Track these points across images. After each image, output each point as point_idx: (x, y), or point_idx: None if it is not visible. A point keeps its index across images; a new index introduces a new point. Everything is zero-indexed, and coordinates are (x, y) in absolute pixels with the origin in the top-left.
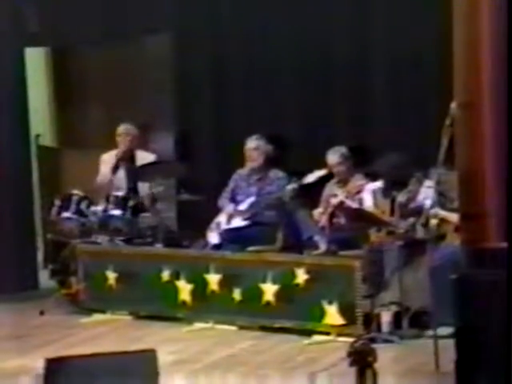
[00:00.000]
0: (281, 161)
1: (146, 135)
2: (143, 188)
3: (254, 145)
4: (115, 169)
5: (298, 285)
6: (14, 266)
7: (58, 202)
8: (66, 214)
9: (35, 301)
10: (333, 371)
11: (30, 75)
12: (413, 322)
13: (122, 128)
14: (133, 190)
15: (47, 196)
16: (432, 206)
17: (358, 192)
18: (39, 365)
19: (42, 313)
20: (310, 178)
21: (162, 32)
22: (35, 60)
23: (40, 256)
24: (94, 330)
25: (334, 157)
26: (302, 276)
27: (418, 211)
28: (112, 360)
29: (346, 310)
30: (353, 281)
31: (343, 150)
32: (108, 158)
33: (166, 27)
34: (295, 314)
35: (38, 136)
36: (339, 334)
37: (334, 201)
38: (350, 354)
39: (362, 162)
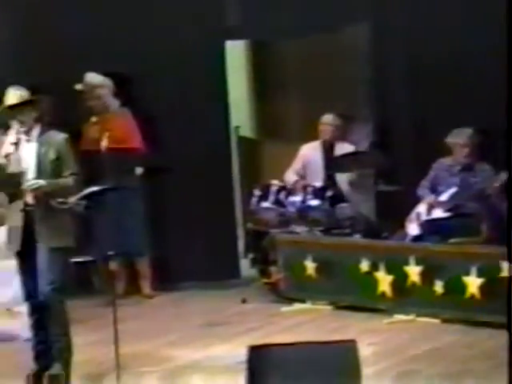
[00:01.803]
0: (487, 153)
1: (345, 126)
2: (341, 178)
3: (461, 140)
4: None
5: (504, 279)
6: (216, 255)
7: (257, 192)
8: (265, 204)
9: (237, 289)
10: None
11: (231, 68)
12: None
13: (325, 118)
14: (331, 180)
15: (247, 186)
16: None
17: None
18: (242, 352)
19: (244, 301)
20: None
21: (360, 22)
22: (235, 53)
23: (241, 245)
24: (294, 319)
25: None
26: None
27: None
28: (313, 349)
29: None
30: None
31: None
32: (307, 149)
33: (363, 18)
34: (502, 308)
35: (237, 127)
36: None
37: None
38: None
39: None
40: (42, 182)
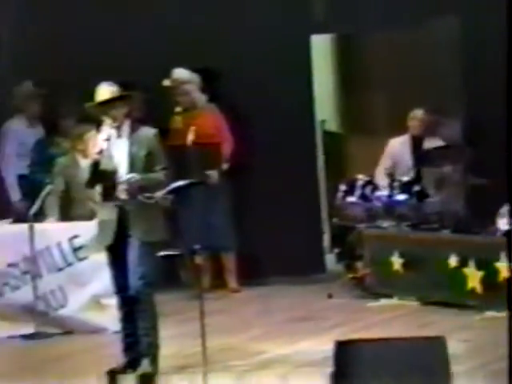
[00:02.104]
0: None
1: (434, 121)
2: (429, 173)
3: None
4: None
5: None
6: (302, 250)
7: (343, 187)
8: (350, 199)
9: (322, 284)
10: None
11: (316, 62)
12: None
13: (415, 113)
14: (418, 174)
15: (332, 181)
16: None
17: None
18: (328, 347)
19: (330, 296)
20: None
21: (449, 15)
22: (321, 47)
23: (326, 240)
24: (381, 315)
25: None
26: None
27: None
28: (400, 345)
29: None
30: None
31: None
32: (395, 143)
33: (452, 10)
34: None
35: (323, 122)
36: None
37: None
38: None
39: None
40: (136, 176)
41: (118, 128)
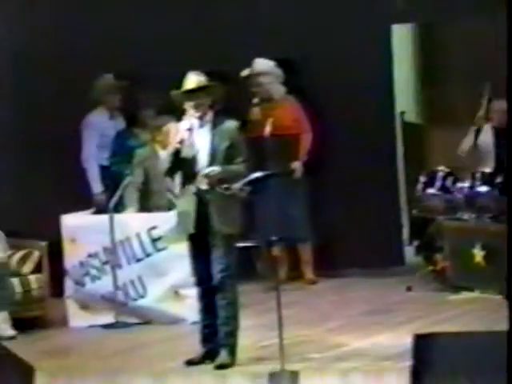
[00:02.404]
0: None
1: None
2: None
3: None
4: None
5: None
6: (381, 242)
7: (423, 179)
8: (430, 191)
9: (400, 277)
10: None
11: (396, 52)
12: None
13: (497, 104)
14: (501, 166)
15: (412, 172)
16: None
17: None
18: (406, 341)
19: (409, 289)
20: None
21: None
22: (402, 36)
23: (405, 232)
24: (462, 308)
25: None
26: None
27: None
28: (481, 339)
29: None
30: None
31: None
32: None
33: None
34: None
35: (402, 113)
36: None
37: None
38: None
39: None
40: (218, 169)
41: (201, 118)
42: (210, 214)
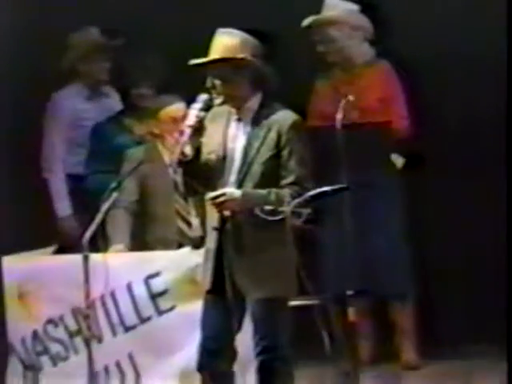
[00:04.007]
0: None
1: None
2: None
3: None
4: None
5: None
6: None
7: None
8: None
9: None
10: None
11: None
12: None
13: None
14: None
15: None
16: None
17: None
18: None
19: None
20: None
21: None
22: None
23: None
24: None
25: None
26: None
27: None
28: None
29: None
30: None
31: None
32: None
33: None
34: None
35: None
36: None
37: None
38: None
39: None
40: (237, 193)
41: (236, 106)
42: (234, 268)
